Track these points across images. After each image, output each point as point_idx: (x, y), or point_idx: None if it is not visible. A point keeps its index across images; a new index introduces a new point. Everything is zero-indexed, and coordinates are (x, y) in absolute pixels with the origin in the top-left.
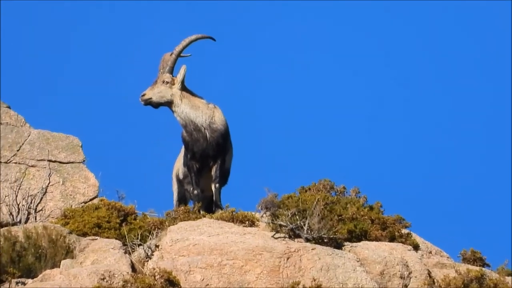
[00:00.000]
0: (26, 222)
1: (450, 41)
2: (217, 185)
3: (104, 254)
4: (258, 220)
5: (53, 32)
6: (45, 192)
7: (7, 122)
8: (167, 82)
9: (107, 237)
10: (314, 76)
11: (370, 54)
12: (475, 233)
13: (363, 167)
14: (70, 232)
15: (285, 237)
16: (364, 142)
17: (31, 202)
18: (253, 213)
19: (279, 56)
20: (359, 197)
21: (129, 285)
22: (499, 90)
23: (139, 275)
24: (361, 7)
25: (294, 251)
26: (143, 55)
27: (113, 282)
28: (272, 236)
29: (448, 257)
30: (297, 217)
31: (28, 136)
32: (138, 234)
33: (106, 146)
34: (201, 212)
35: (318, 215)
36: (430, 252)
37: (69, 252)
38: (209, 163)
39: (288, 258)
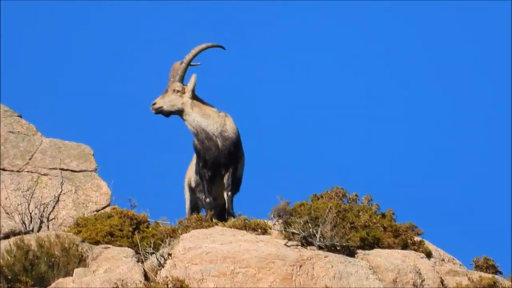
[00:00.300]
0: (38, 230)
1: (450, 41)
2: (229, 193)
3: (117, 263)
4: (270, 228)
5: (67, 42)
6: (58, 200)
7: (19, 131)
8: (178, 91)
9: (120, 246)
10: (323, 81)
11: (371, 55)
12: (488, 241)
13: (375, 174)
14: (83, 241)
15: (297, 245)
16: (376, 149)
17: (43, 211)
18: (265, 221)
19: (284, 59)
20: (371, 204)
21: None
22: (500, 90)
23: (152, 283)
24: (361, 7)
25: (307, 259)
26: (156, 63)
27: None
28: (285, 244)
29: (460, 265)
30: (310, 224)
31: (40, 144)
32: (150, 243)
33: (118, 154)
34: (214, 220)
35: (331, 222)
36: (443, 260)
37: (81, 261)
38: (221, 171)
39: (300, 266)
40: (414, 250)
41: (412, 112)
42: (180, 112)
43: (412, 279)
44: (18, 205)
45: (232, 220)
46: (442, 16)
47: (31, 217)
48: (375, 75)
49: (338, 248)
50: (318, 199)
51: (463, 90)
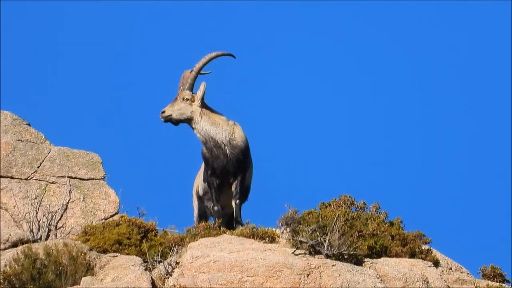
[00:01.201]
0: (46, 239)
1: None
2: (237, 201)
3: (125, 271)
4: (278, 237)
5: (77, 51)
6: (66, 208)
7: (27, 139)
8: (187, 99)
9: (128, 254)
10: (333, 89)
11: (381, 60)
12: (496, 249)
13: (384, 182)
14: (91, 249)
15: (305, 254)
16: (385, 157)
17: (51, 219)
18: (273, 229)
19: (294, 67)
20: (379, 213)
21: None
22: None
23: None
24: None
25: (315, 267)
26: (166, 71)
27: None
28: (293, 253)
29: (468, 273)
30: (318, 233)
31: (48, 153)
32: (158, 251)
33: (126, 162)
34: (222, 228)
35: (339, 231)
36: (450, 268)
37: (89, 269)
38: (229, 180)
39: (308, 275)
40: (422, 258)
41: (421, 120)
42: (189, 121)
43: (419, 287)
44: (26, 213)
45: (240, 229)
46: (441, 16)
47: (39, 226)
48: (385, 82)
49: (345, 256)
50: (326, 207)
51: (473, 95)
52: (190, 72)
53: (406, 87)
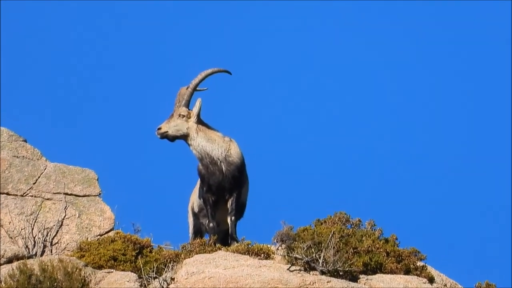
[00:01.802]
0: (41, 255)
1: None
2: (232, 218)
3: (120, 287)
4: (273, 253)
5: (64, 65)
6: (61, 225)
7: (23, 156)
8: (183, 116)
9: (123, 270)
10: (326, 104)
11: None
12: (491, 266)
13: (379, 199)
14: (86, 265)
15: (300, 270)
16: (380, 174)
17: (47, 235)
18: (268, 245)
19: (287, 82)
20: (374, 229)
21: None
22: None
23: None
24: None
25: (310, 284)
26: (159, 87)
27: None
28: (288, 269)
29: None
30: (313, 249)
31: (44, 169)
32: (153, 267)
33: (122, 179)
34: (217, 245)
35: (334, 247)
36: (445, 285)
37: (84, 285)
38: (225, 196)
39: None
40: (417, 275)
41: (415, 135)
42: (185, 137)
43: None
44: (21, 229)
45: (235, 245)
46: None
47: (34, 242)
48: (376, 97)
49: (341, 273)
50: (322, 224)
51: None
52: (186, 88)
53: (400, 100)
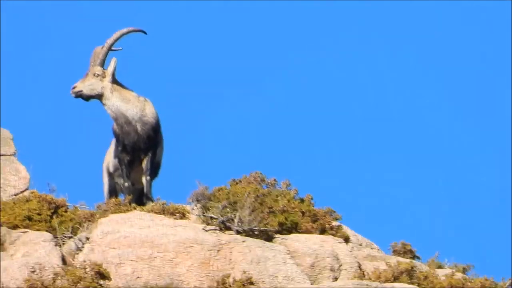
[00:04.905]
0: None
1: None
2: (148, 177)
3: (35, 247)
4: (189, 213)
5: None
6: None
7: None
8: (98, 75)
9: (38, 230)
10: (233, 62)
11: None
12: (406, 226)
13: (294, 160)
14: (1, 225)
15: (216, 230)
16: (294, 134)
17: None
18: (184, 205)
19: (205, 47)
20: (290, 189)
21: (59, 278)
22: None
23: (69, 267)
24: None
25: (225, 243)
26: (76, 48)
27: (43, 275)
28: (203, 229)
29: (378, 250)
30: (228, 209)
31: None
32: (69, 227)
33: (37, 139)
34: (132, 204)
35: (249, 207)
36: (361, 245)
37: None
38: (140, 156)
39: (218, 251)
40: (332, 235)
41: (346, 103)
42: (100, 97)
43: (329, 263)
44: None
45: (150, 205)
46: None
47: None
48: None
49: (256, 233)
50: (237, 184)
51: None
52: (101, 48)
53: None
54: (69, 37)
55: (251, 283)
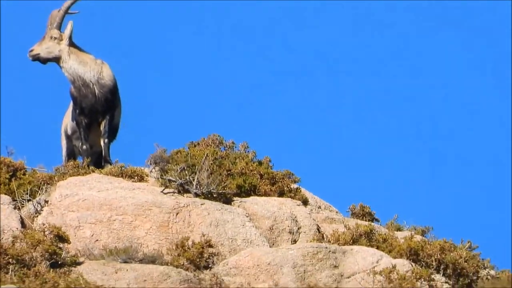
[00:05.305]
0: None
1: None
2: (106, 140)
3: None
4: (147, 176)
5: None
6: None
7: None
8: (55, 38)
9: None
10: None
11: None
12: (365, 189)
13: (252, 123)
14: None
15: (174, 193)
16: (252, 96)
17: None
18: (142, 168)
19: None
20: (248, 152)
21: (18, 241)
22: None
23: (28, 230)
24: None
25: (184, 206)
26: (34, 12)
27: (2, 238)
28: (162, 192)
29: (337, 212)
30: (186, 172)
31: None
32: (27, 190)
33: None
34: (90, 167)
35: (207, 170)
36: (319, 207)
37: None
38: (98, 119)
39: (177, 214)
40: (291, 197)
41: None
42: (57, 60)
43: (288, 226)
44: None
45: (109, 167)
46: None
47: None
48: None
49: (214, 195)
50: (195, 146)
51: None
52: (58, 11)
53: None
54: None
55: (210, 246)
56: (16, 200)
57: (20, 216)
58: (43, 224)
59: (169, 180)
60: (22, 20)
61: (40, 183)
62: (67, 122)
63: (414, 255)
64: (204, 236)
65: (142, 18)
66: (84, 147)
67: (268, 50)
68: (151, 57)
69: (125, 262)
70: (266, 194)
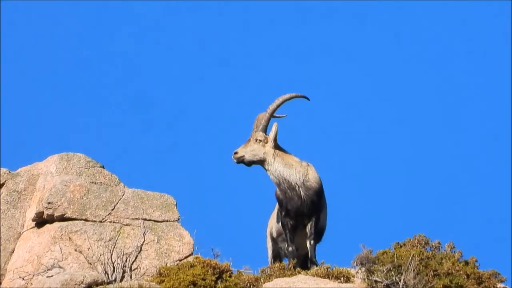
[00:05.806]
0: (121, 280)
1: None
2: (312, 242)
3: None
4: (353, 276)
5: (143, 97)
6: (140, 250)
7: (101, 182)
8: (260, 141)
9: None
10: (394, 125)
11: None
12: None
13: (459, 221)
14: None
15: None
16: (459, 196)
17: (126, 261)
18: (348, 269)
19: (362, 108)
20: (454, 252)
21: None
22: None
23: None
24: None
25: None
26: (235, 112)
27: None
28: None
29: None
30: (393, 272)
31: (123, 195)
32: None
33: (200, 204)
34: (296, 268)
35: (414, 270)
36: None
37: None
38: (303, 221)
39: None
40: None
41: (486, 158)
42: (261, 162)
43: None
44: (100, 255)
45: (315, 269)
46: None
47: (113, 267)
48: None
49: None
50: (401, 247)
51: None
52: (264, 114)
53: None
54: (231, 101)
55: None
56: None
57: None
58: None
59: (376, 281)
60: (224, 125)
61: (246, 285)
62: (273, 224)
63: None
64: None
65: (342, 119)
66: (290, 248)
67: None
68: (354, 156)
69: None
70: None
